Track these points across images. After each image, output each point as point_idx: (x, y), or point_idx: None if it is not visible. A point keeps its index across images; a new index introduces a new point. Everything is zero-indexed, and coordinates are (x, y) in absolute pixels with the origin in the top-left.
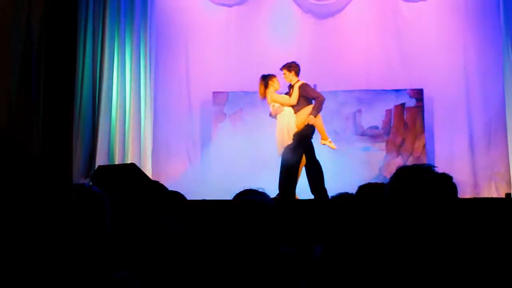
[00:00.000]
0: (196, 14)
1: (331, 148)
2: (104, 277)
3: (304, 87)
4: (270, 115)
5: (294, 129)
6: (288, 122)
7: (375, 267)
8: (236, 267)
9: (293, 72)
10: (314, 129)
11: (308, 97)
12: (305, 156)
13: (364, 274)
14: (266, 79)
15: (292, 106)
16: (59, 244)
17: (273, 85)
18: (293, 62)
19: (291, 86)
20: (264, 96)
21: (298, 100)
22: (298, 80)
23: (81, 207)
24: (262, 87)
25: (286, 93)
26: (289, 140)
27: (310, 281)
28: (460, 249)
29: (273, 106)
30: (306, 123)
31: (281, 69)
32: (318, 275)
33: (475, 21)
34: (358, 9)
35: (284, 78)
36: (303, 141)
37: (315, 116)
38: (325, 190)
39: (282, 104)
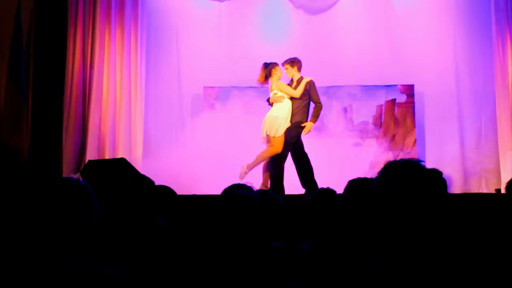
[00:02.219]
0: (188, 9)
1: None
2: (91, 271)
3: (312, 85)
4: (268, 100)
5: (287, 122)
6: (284, 113)
7: (364, 262)
8: (225, 261)
9: (295, 67)
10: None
11: (310, 96)
12: (295, 150)
13: (353, 269)
14: (269, 66)
15: (292, 99)
16: (44, 236)
17: (277, 73)
18: (296, 58)
19: (292, 81)
20: (263, 81)
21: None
22: (305, 77)
23: (66, 200)
24: (263, 74)
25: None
26: (279, 131)
27: (298, 276)
28: (449, 244)
29: (275, 94)
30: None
31: (283, 64)
32: (306, 269)
33: (466, 17)
34: (349, 5)
35: (285, 73)
36: (293, 137)
37: (313, 123)
38: (315, 184)
39: (287, 94)
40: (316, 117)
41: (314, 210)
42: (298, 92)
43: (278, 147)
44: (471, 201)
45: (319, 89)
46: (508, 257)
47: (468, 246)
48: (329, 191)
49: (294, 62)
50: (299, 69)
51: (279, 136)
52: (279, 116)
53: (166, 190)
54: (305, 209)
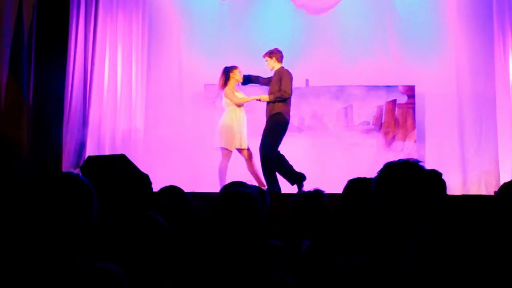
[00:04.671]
0: (189, 6)
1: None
2: (86, 266)
3: (283, 73)
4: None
5: (235, 131)
6: (226, 122)
7: (362, 261)
8: (224, 259)
9: (274, 58)
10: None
11: (280, 84)
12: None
13: (351, 268)
14: (227, 70)
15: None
16: (43, 230)
17: (234, 77)
18: (275, 48)
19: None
20: (223, 86)
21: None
22: (282, 67)
23: (67, 195)
24: (223, 79)
25: (269, 78)
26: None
27: (297, 275)
28: (447, 245)
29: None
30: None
31: (263, 56)
32: (305, 268)
33: (467, 18)
34: (351, 5)
35: (267, 65)
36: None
37: (270, 100)
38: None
39: (231, 100)
40: (273, 95)
41: (298, 213)
42: (239, 99)
43: (224, 158)
44: (470, 203)
45: (319, 88)
46: (504, 258)
47: (466, 247)
48: (316, 193)
49: (272, 53)
50: (278, 60)
51: (222, 148)
52: (221, 126)
53: (174, 190)
54: (290, 211)
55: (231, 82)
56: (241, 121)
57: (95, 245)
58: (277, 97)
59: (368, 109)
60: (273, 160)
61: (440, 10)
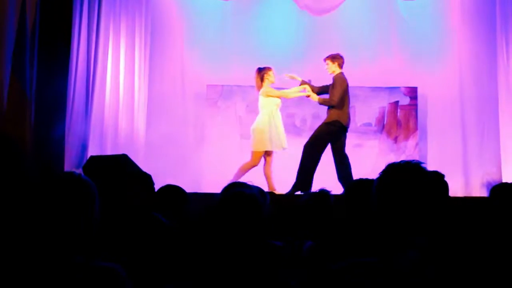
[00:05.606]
0: (192, 7)
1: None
2: (88, 265)
3: (338, 80)
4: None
5: (265, 135)
6: (259, 125)
7: (363, 263)
8: (225, 259)
9: (336, 63)
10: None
11: (332, 90)
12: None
13: (352, 270)
14: (262, 71)
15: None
16: (45, 230)
17: (269, 78)
18: (338, 54)
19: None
20: (259, 89)
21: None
22: (341, 73)
23: (69, 195)
24: (259, 80)
25: (328, 85)
26: (255, 145)
27: (299, 276)
28: (448, 247)
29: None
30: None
31: (325, 59)
32: (307, 269)
33: (470, 20)
34: (354, 6)
35: (326, 69)
36: (325, 138)
37: (319, 102)
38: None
39: (278, 96)
40: (322, 100)
41: (308, 212)
42: (287, 94)
43: (254, 161)
44: (473, 205)
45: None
46: (503, 260)
47: (466, 249)
48: (323, 193)
49: (335, 58)
50: (340, 65)
51: (255, 151)
52: (254, 129)
53: (175, 190)
54: (300, 210)
55: (266, 84)
56: (278, 123)
57: (97, 244)
58: (325, 102)
59: (370, 110)
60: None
61: (443, 12)
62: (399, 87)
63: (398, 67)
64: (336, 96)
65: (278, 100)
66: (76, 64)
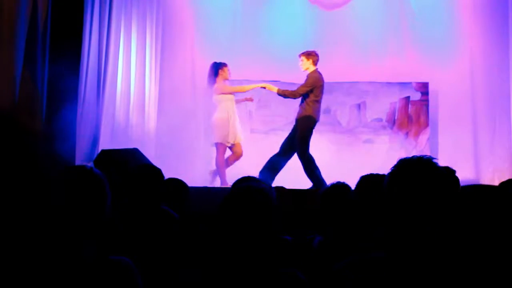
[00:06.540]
0: (203, 2)
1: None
2: (102, 259)
3: (310, 76)
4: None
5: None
6: (217, 117)
7: (373, 258)
8: (235, 254)
9: (311, 60)
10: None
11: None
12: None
13: (362, 265)
14: (216, 66)
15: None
16: (57, 223)
17: (223, 74)
18: (313, 51)
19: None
20: (212, 85)
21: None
22: (315, 70)
23: (81, 188)
24: (212, 76)
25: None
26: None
27: (309, 270)
28: (460, 242)
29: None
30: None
31: (300, 55)
32: (316, 264)
33: (482, 15)
34: (365, 1)
35: (300, 65)
36: (309, 131)
37: (278, 93)
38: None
39: (230, 92)
40: (282, 91)
41: (327, 204)
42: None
43: (221, 155)
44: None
45: (333, 85)
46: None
47: (478, 243)
48: (343, 186)
49: (310, 54)
50: (314, 63)
51: (218, 143)
52: (215, 123)
53: (177, 184)
54: (319, 202)
55: (219, 79)
56: (234, 116)
57: (108, 238)
58: (285, 93)
59: (381, 105)
60: (312, 162)
61: (455, 6)
62: (410, 83)
63: (409, 62)
64: (300, 89)
65: (232, 95)
66: (88, 58)
